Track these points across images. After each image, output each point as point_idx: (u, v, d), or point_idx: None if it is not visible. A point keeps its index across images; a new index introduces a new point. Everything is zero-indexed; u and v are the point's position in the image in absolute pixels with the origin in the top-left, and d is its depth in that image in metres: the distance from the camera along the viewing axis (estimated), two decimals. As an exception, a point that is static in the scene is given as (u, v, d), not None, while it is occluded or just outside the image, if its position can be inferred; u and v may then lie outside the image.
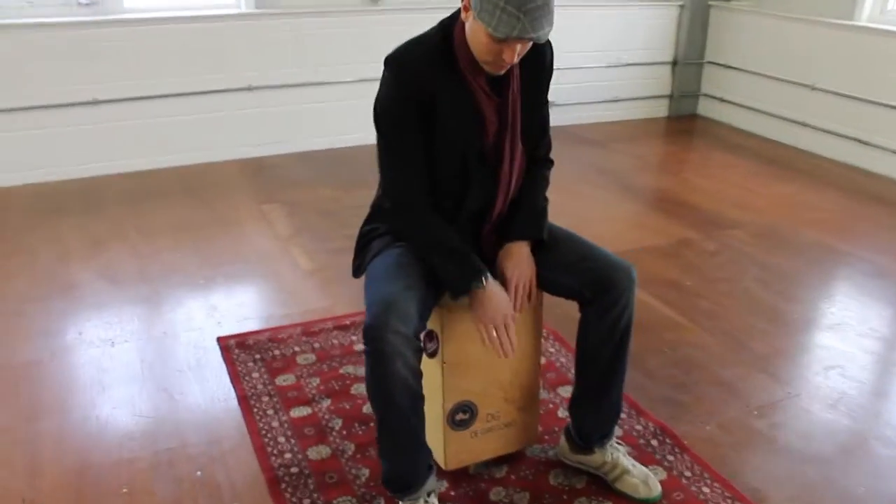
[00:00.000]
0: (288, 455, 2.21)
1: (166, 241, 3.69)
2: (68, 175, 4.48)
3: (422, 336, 1.81)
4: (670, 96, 5.95)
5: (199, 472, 2.18)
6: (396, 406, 1.76)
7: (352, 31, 4.84)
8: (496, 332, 1.82)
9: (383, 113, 1.81)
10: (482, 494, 2.06)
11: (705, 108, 5.96)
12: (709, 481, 2.08)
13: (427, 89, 1.76)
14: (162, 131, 4.63)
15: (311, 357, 2.69)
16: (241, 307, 3.09)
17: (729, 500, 2.02)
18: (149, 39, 4.48)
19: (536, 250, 1.93)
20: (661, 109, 5.98)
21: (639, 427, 2.31)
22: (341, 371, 2.61)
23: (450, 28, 1.80)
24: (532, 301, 1.93)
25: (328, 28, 4.81)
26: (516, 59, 1.72)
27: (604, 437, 2.06)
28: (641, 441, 2.25)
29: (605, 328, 1.91)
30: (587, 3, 5.42)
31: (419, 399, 1.78)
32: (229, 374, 2.61)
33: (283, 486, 2.10)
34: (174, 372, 2.65)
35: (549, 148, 2.04)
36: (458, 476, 2.12)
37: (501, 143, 1.86)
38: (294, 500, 2.05)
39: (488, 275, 1.82)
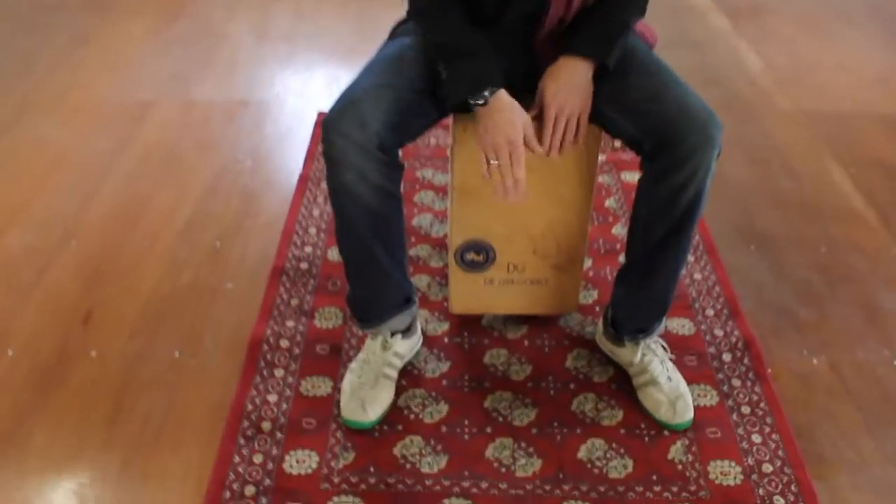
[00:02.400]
0: (308, 249, 1.98)
1: (336, 6, 3.45)
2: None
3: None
4: None
5: (217, 243, 2.03)
6: (350, 224, 1.41)
7: None
8: (498, 162, 1.36)
9: None
10: (476, 352, 1.69)
11: None
12: (767, 430, 1.52)
13: None
14: None
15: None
16: (364, 87, 2.82)
17: (777, 464, 1.46)
18: None
19: (599, 77, 1.39)
20: None
21: (719, 332, 1.75)
22: (417, 174, 2.27)
23: None
24: (580, 140, 1.41)
25: None
26: None
27: (638, 331, 1.56)
28: (712, 350, 1.70)
29: (664, 197, 1.36)
30: None
31: (385, 222, 1.41)
32: (307, 151, 2.40)
33: (284, 278, 1.88)
34: (262, 135, 2.50)
35: None
36: (467, 323, 1.76)
37: None
38: (284, 296, 1.83)
39: (499, 88, 1.34)
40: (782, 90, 2.79)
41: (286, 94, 2.75)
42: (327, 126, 1.32)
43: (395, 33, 1.54)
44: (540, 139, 1.37)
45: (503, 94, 1.34)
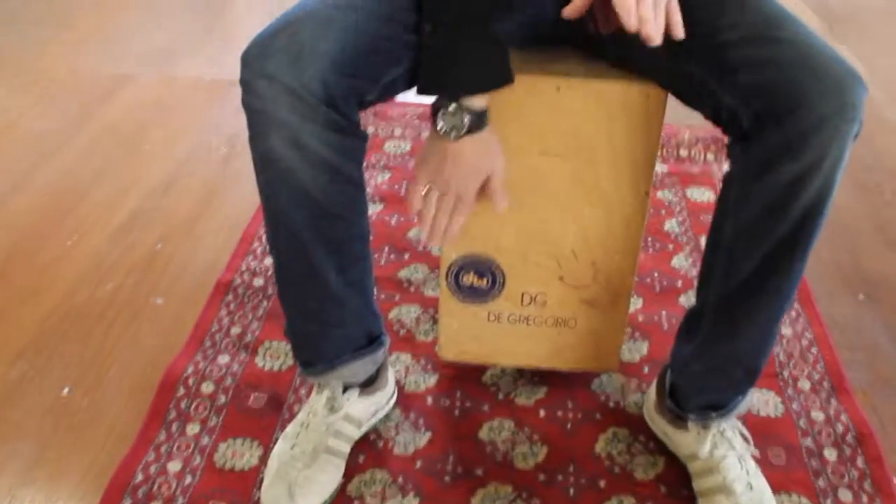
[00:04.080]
0: (269, 261, 1.51)
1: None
2: None
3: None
4: None
5: (159, 245, 1.59)
6: (280, 215, 0.95)
7: None
8: (438, 200, 0.94)
9: None
10: (470, 422, 1.19)
11: None
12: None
13: None
14: None
15: (405, 146, 1.90)
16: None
17: None
18: None
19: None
20: None
21: (818, 415, 1.22)
22: (425, 178, 1.80)
23: None
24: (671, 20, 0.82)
25: None
26: None
27: (710, 408, 1.05)
28: (808, 442, 1.18)
29: (768, 198, 0.86)
30: None
31: (332, 219, 0.94)
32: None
33: (230, 297, 1.42)
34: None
35: None
36: (462, 377, 1.26)
37: None
38: (224, 320, 1.37)
39: (484, 123, 0.90)
40: (893, 101, 2.26)
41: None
42: (246, 61, 0.86)
43: None
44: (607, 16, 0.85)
45: (484, 134, 0.90)
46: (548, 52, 0.96)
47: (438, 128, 0.89)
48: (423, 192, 0.95)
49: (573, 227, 1.09)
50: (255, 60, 0.84)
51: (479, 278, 1.16)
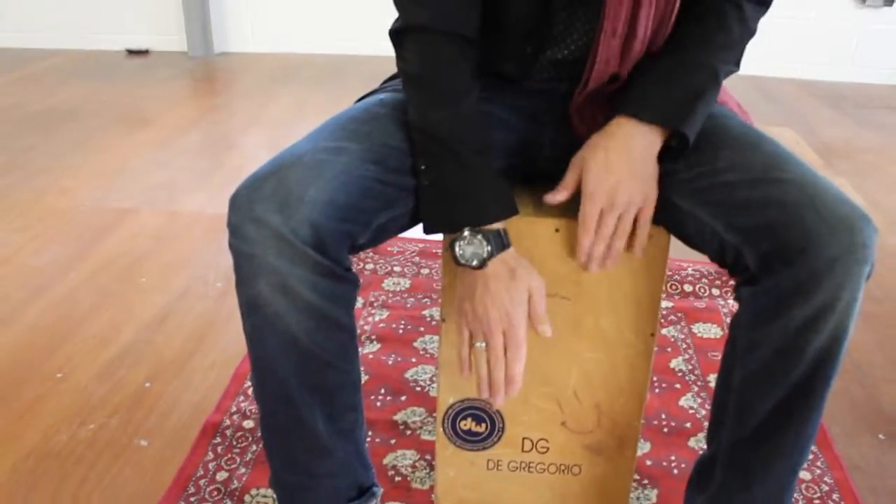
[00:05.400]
0: (261, 400, 1.46)
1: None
2: (323, 49, 4.28)
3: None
4: None
5: (148, 384, 1.53)
6: (266, 364, 0.90)
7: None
8: (486, 346, 0.90)
9: None
10: (469, 580, 1.11)
11: None
12: None
13: None
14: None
15: (404, 283, 1.88)
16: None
17: None
18: None
19: (671, 158, 0.90)
20: None
21: (849, 573, 1.13)
22: (424, 312, 1.76)
23: None
24: (639, 249, 0.91)
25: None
26: None
27: (727, 568, 0.97)
28: None
29: (778, 345, 0.82)
30: None
31: (320, 367, 0.89)
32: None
33: (218, 440, 1.35)
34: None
35: None
36: (460, 529, 1.19)
37: None
38: (210, 465, 1.29)
39: (507, 243, 0.89)
40: (895, 232, 2.26)
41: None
42: (234, 205, 0.84)
43: (373, 91, 1.08)
44: (578, 241, 0.89)
45: (510, 254, 0.88)
46: (542, 190, 0.95)
47: (458, 256, 0.87)
48: (468, 350, 0.91)
49: (575, 369, 1.04)
50: (244, 204, 0.83)
51: (477, 423, 1.10)
